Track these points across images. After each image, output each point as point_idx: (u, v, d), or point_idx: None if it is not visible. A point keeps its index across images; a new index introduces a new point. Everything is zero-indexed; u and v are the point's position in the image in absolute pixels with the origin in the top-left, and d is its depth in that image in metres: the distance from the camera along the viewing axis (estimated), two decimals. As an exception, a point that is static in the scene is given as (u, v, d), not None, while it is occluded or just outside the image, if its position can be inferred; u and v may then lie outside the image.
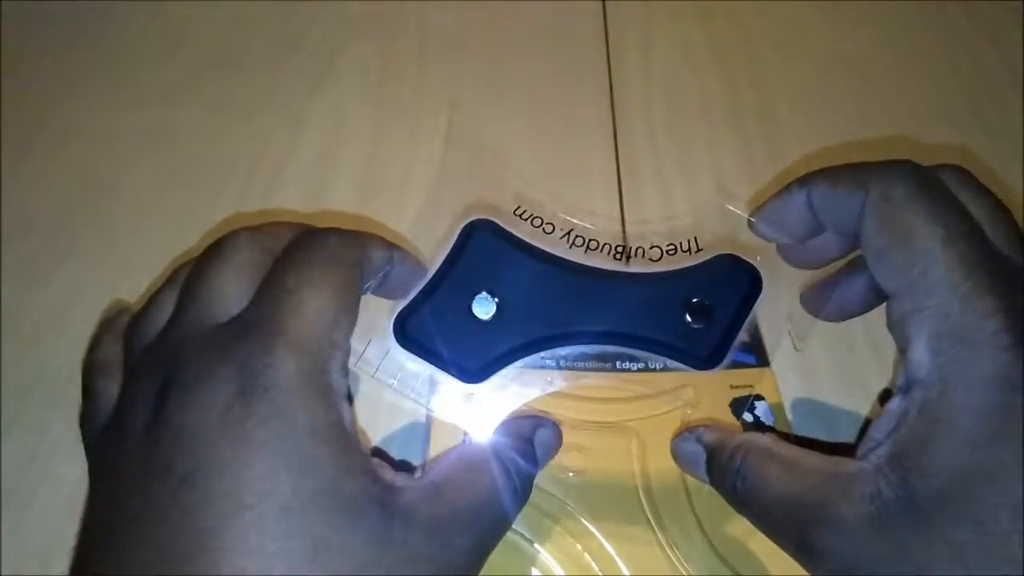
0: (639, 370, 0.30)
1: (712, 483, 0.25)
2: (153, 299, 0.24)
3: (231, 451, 0.19)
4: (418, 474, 0.22)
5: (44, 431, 0.30)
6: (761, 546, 0.26)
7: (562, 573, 0.25)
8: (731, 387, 0.30)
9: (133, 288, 0.34)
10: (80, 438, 0.23)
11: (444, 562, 0.20)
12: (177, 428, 0.19)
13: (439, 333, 0.25)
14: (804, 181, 0.24)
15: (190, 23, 0.48)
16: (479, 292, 0.25)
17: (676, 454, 0.27)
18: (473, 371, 0.25)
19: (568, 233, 0.27)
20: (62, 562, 0.26)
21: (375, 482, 0.20)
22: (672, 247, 0.27)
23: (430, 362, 0.25)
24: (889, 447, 0.21)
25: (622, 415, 0.29)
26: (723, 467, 0.24)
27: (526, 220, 0.27)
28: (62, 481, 0.28)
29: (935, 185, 0.22)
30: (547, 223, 0.27)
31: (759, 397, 0.30)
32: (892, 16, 0.49)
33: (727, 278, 0.26)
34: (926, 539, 0.19)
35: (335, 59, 0.46)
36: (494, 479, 0.22)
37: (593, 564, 0.25)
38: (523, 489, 0.24)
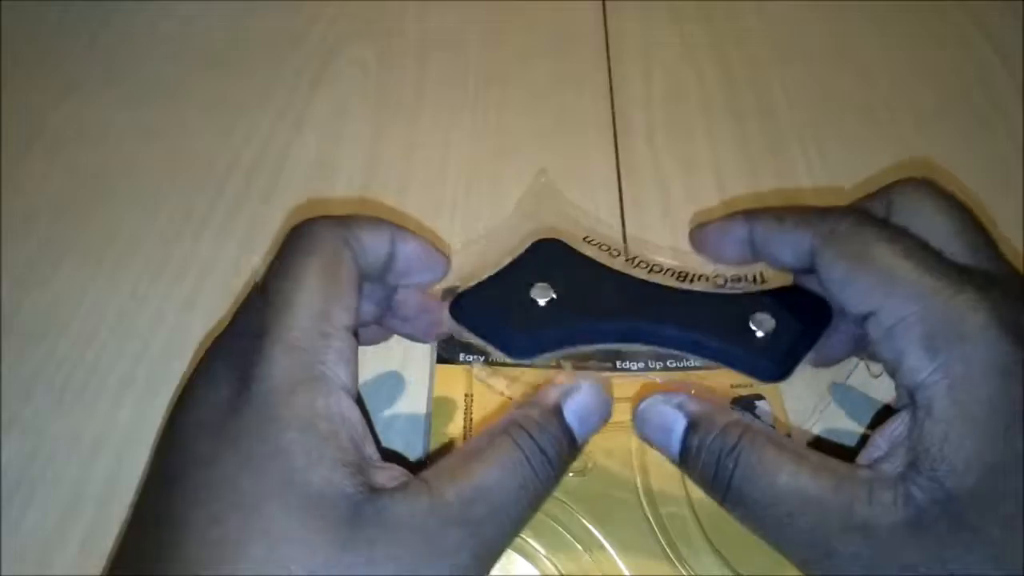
0: (639, 370, 0.30)
1: (685, 462, 0.23)
2: None
3: (209, 450, 0.19)
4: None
5: (44, 431, 0.30)
6: (762, 547, 0.26)
7: (562, 573, 0.25)
8: (732, 387, 0.30)
9: (133, 288, 0.34)
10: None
11: (413, 561, 0.18)
12: (174, 430, 0.20)
13: (495, 310, 0.25)
14: (750, 216, 0.25)
15: (190, 23, 0.48)
16: (540, 282, 0.26)
17: (643, 418, 0.24)
18: (522, 347, 0.25)
19: (633, 258, 0.28)
20: (62, 562, 0.26)
21: (353, 476, 0.19)
22: (737, 277, 0.27)
23: (481, 335, 0.25)
24: (906, 453, 0.20)
25: (622, 415, 0.29)
26: (710, 445, 0.22)
27: (594, 245, 0.29)
28: (62, 481, 0.28)
29: (873, 218, 0.23)
30: (614, 249, 0.29)
31: (760, 396, 0.30)
32: (892, 16, 0.49)
33: (795, 305, 0.25)
34: (964, 541, 0.18)
35: (335, 59, 0.46)
36: (498, 461, 0.20)
37: (593, 564, 0.25)
38: (547, 471, 0.21)
